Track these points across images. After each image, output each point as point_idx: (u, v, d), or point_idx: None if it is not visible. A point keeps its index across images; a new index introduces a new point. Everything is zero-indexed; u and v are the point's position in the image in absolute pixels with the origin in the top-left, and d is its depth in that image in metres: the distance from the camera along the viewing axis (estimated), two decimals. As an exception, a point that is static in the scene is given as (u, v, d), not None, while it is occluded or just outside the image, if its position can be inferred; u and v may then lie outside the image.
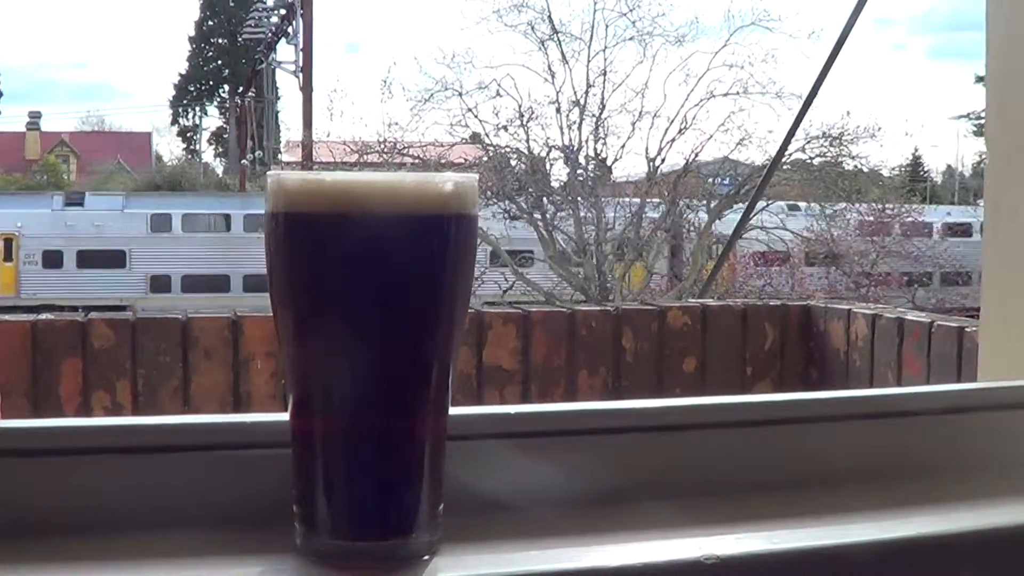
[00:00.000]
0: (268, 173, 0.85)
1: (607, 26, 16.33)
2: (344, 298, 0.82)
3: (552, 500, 0.99)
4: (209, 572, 0.83)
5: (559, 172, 17.25)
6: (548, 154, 16.69)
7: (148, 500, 0.91)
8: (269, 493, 0.90)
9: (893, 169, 19.61)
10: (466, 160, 16.25)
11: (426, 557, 0.86)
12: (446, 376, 0.86)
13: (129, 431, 0.95)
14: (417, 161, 15.97)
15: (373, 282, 0.81)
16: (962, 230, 20.43)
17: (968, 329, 3.16)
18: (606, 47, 16.31)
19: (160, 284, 22.69)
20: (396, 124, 16.40)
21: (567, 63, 16.27)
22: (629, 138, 16.41)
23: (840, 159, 17.06)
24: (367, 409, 0.85)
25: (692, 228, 16.62)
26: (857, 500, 1.04)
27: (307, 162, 18.37)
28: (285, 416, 0.87)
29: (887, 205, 18.00)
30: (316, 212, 0.82)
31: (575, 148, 16.33)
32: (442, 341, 0.85)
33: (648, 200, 16.13)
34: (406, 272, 0.82)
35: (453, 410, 0.88)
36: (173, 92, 48.38)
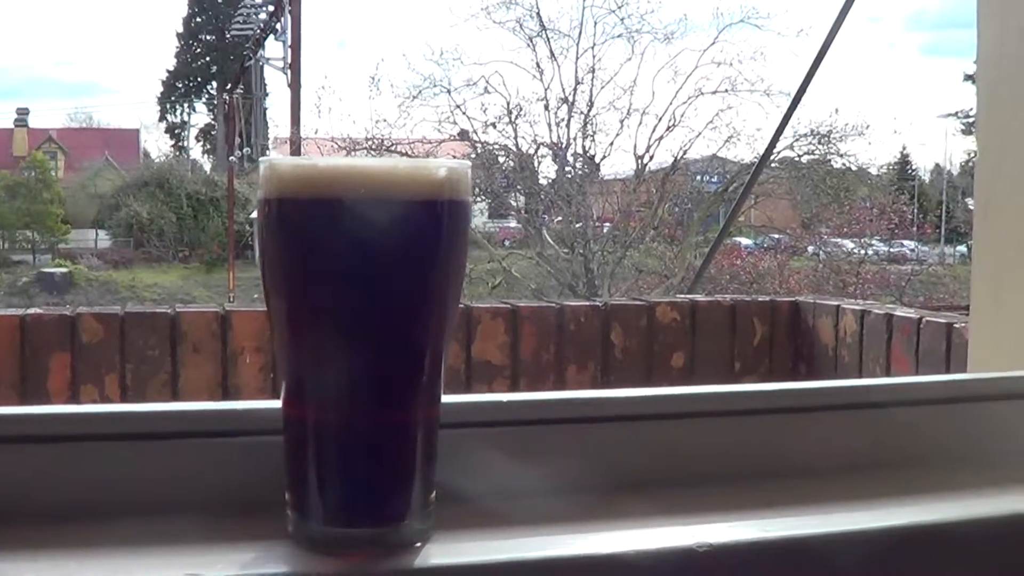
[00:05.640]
0: (261, 159, 0.85)
1: (595, 23, 16.35)
2: (336, 284, 0.82)
3: (543, 488, 0.99)
4: (201, 559, 0.83)
5: (547, 169, 17.26)
6: (536, 151, 16.69)
7: (140, 487, 0.91)
8: (261, 480, 0.89)
9: (881, 167, 19.66)
10: (454, 157, 16.19)
11: (418, 544, 0.86)
12: (438, 364, 0.86)
13: (121, 419, 0.95)
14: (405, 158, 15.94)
15: (366, 268, 0.81)
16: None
17: (957, 325, 3.16)
18: (594, 44, 16.33)
19: None
20: (384, 121, 16.39)
21: (555, 60, 16.29)
22: (617, 135, 16.44)
23: (828, 157, 17.11)
24: (359, 396, 0.84)
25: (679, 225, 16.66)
26: (848, 489, 1.04)
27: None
28: (277, 404, 0.87)
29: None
30: (308, 197, 0.82)
31: (563, 145, 16.35)
32: (435, 328, 0.85)
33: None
34: (399, 257, 0.82)
35: (444, 399, 0.88)
36: (161, 89, 48.14)
